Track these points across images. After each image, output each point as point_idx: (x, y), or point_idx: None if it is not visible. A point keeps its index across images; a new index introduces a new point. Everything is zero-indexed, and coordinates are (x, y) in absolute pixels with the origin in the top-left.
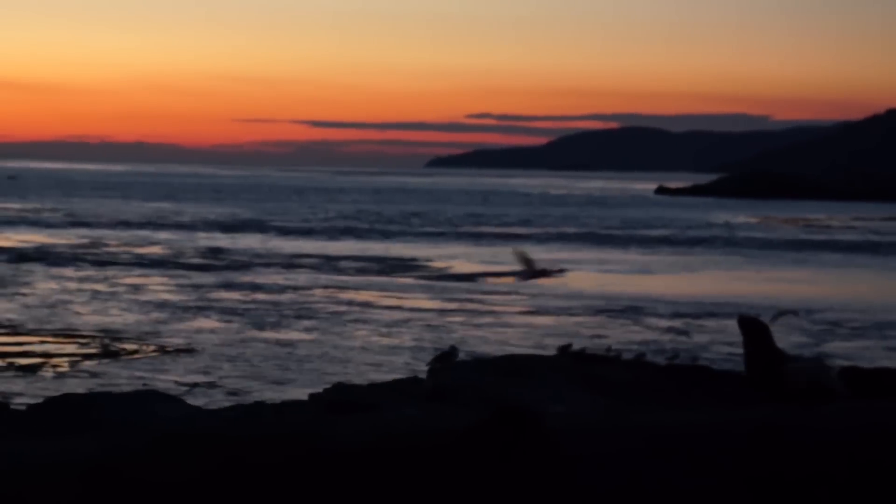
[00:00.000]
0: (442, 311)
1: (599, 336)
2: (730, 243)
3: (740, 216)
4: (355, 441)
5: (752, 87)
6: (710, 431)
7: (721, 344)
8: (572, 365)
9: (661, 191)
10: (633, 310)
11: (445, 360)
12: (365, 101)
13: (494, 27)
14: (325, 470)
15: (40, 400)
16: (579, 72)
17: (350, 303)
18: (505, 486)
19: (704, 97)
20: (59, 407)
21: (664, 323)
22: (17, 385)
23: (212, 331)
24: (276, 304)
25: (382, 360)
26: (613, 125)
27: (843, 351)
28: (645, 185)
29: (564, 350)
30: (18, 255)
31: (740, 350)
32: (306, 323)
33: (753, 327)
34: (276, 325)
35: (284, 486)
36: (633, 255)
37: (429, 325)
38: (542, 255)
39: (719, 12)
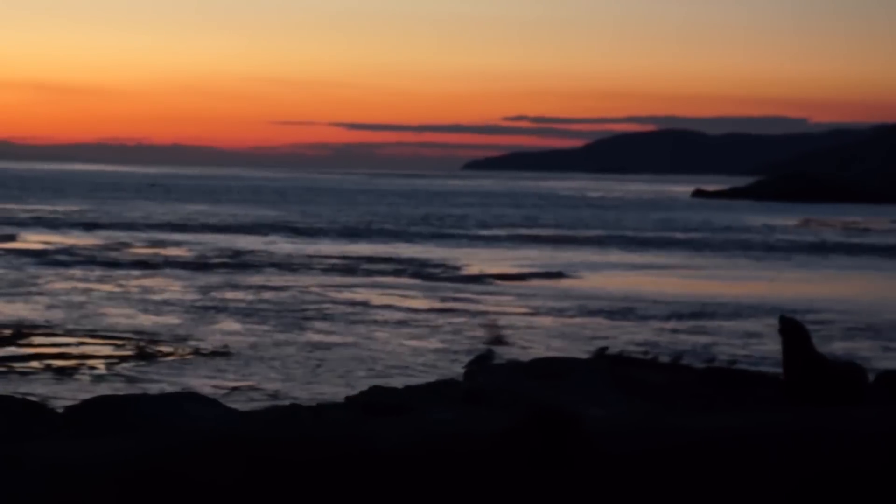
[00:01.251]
0: (475, 314)
1: (633, 339)
2: (768, 246)
3: (778, 219)
4: (393, 443)
5: (790, 90)
6: (749, 434)
7: (756, 345)
8: (609, 367)
9: (698, 193)
10: (664, 311)
11: (482, 362)
12: (402, 103)
13: (531, 29)
14: (362, 472)
15: (77, 402)
16: (616, 74)
17: (382, 305)
18: (544, 489)
19: (742, 99)
20: (97, 408)
21: (699, 324)
22: (53, 387)
23: (244, 333)
24: (306, 305)
25: (416, 362)
26: (650, 128)
27: (883, 356)
28: (682, 188)
29: (601, 353)
30: (49, 257)
31: (768, 350)
32: (338, 325)
33: (794, 330)
34: (307, 328)
35: (322, 487)
36: (667, 258)
37: (462, 328)
38: (579, 257)
39: (758, 14)
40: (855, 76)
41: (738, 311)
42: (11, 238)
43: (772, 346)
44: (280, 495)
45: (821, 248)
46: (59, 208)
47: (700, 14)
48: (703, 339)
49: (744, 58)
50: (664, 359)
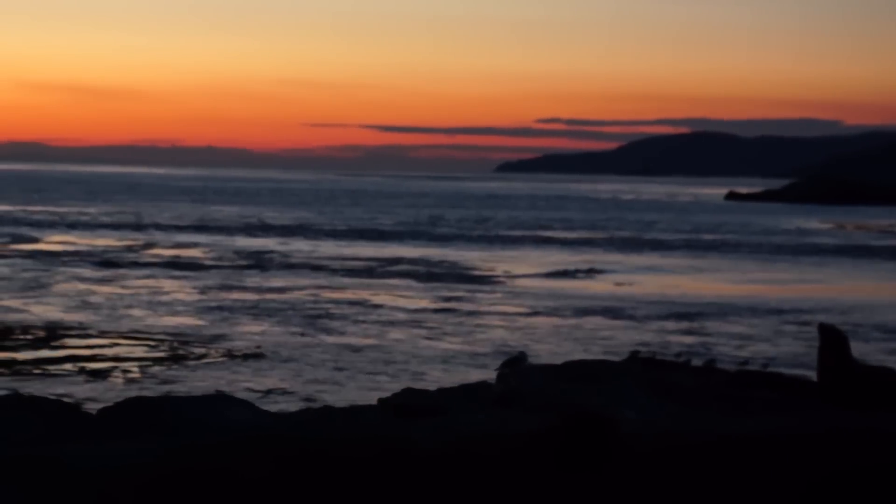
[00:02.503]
0: (505, 315)
1: (667, 341)
2: (800, 249)
3: (812, 222)
4: (428, 444)
5: (824, 92)
6: (783, 436)
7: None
8: (642, 370)
9: (731, 196)
10: (700, 315)
11: (514, 365)
12: (434, 105)
13: (564, 31)
14: (398, 472)
15: (111, 403)
16: (649, 76)
17: (410, 308)
18: (580, 491)
19: (775, 102)
20: (131, 410)
21: (729, 328)
22: (87, 388)
23: (273, 334)
24: (333, 307)
25: (448, 364)
26: (684, 130)
27: None
28: (715, 191)
29: (634, 356)
30: (78, 258)
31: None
32: (366, 327)
33: (831, 335)
34: (336, 330)
35: (358, 487)
36: (698, 260)
37: (494, 330)
38: (609, 258)
39: (790, 16)
40: (889, 78)
41: (769, 312)
42: (36, 240)
43: (802, 348)
44: (314, 494)
45: (855, 251)
46: (91, 210)
47: (734, 17)
48: (734, 341)
49: (777, 60)
50: (697, 362)
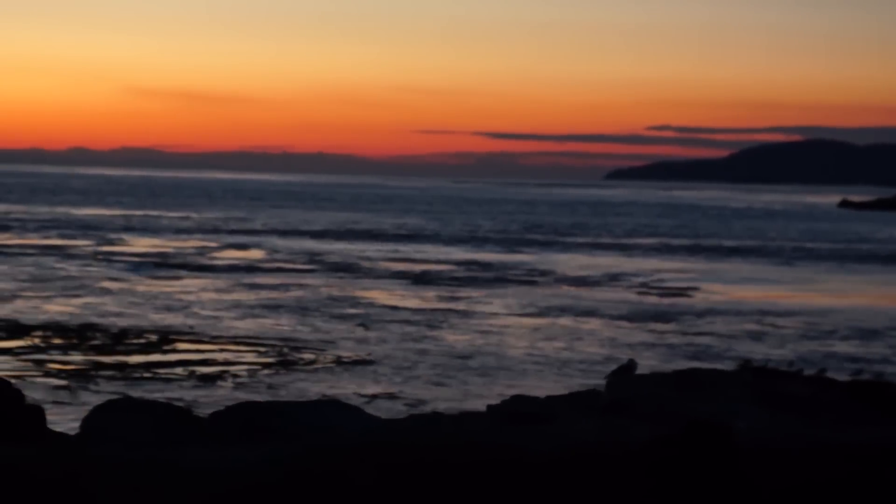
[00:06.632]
0: (608, 325)
1: (775, 352)
2: None
3: None
4: (540, 451)
5: None
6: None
7: None
8: (752, 380)
9: (844, 204)
10: (811, 325)
11: (624, 372)
12: (544, 112)
13: (675, 38)
14: (508, 480)
15: (221, 408)
16: (762, 83)
17: (513, 315)
18: (695, 501)
19: (890, 109)
20: (242, 414)
21: (840, 337)
22: (197, 392)
23: (384, 341)
24: (445, 314)
25: (555, 371)
26: (796, 138)
27: None
28: (828, 199)
29: (745, 365)
30: (184, 262)
31: None
32: (475, 334)
33: None
34: (444, 337)
35: (468, 494)
36: (809, 272)
37: (600, 339)
38: (718, 268)
39: None
40: None
41: (881, 324)
42: (156, 244)
43: None
44: (426, 502)
45: None
46: (208, 215)
47: (847, 23)
48: (845, 350)
49: (892, 67)
50: (808, 371)
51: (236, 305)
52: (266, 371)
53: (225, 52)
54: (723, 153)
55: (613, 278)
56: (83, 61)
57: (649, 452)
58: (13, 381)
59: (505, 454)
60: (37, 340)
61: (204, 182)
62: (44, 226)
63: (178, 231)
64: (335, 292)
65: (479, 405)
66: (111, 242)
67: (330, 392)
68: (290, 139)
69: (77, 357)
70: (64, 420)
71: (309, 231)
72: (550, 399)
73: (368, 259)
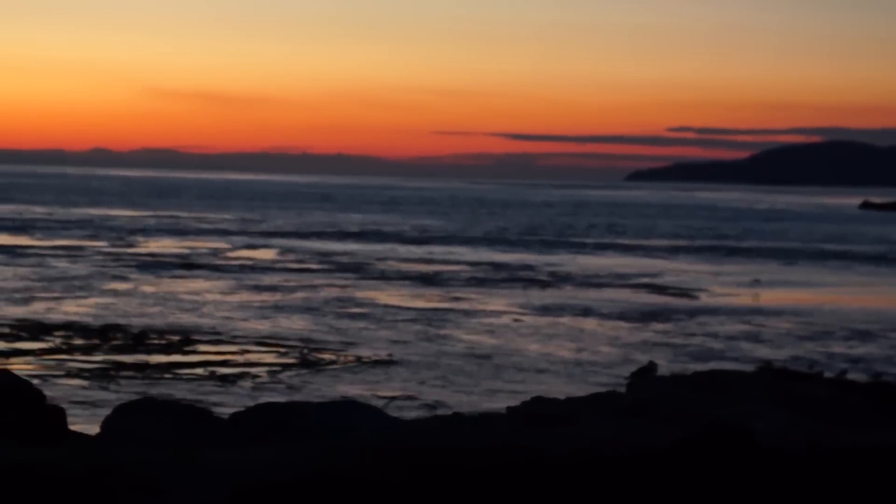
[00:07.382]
0: (622, 327)
1: (796, 354)
2: None
3: None
4: (560, 453)
5: None
6: None
7: None
8: (773, 381)
9: (865, 206)
10: (826, 326)
11: (644, 374)
12: (564, 113)
13: (695, 39)
14: (529, 481)
15: (242, 408)
16: (782, 85)
17: (531, 316)
18: (716, 500)
19: None
20: (262, 415)
21: (861, 340)
22: (217, 393)
23: (405, 342)
24: (465, 316)
25: (576, 372)
26: (817, 139)
27: None
28: (849, 200)
29: (765, 366)
30: (200, 262)
31: None
32: (494, 335)
33: None
34: (463, 337)
35: (488, 495)
36: (833, 274)
37: (614, 339)
38: (738, 270)
39: None
40: None
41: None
42: (182, 245)
43: None
44: (447, 503)
45: None
46: (225, 216)
47: (867, 24)
48: (865, 351)
49: None
50: (829, 374)
51: (258, 306)
52: (286, 372)
53: (244, 54)
54: (743, 154)
55: (628, 279)
56: (103, 63)
57: (671, 455)
58: (34, 381)
59: (525, 456)
60: (57, 341)
61: (224, 183)
62: (65, 227)
63: (199, 232)
64: (353, 293)
65: (498, 406)
66: (129, 244)
67: (350, 393)
68: (310, 140)
69: (98, 357)
70: (84, 420)
71: (328, 232)
72: (571, 400)
73: (385, 259)
